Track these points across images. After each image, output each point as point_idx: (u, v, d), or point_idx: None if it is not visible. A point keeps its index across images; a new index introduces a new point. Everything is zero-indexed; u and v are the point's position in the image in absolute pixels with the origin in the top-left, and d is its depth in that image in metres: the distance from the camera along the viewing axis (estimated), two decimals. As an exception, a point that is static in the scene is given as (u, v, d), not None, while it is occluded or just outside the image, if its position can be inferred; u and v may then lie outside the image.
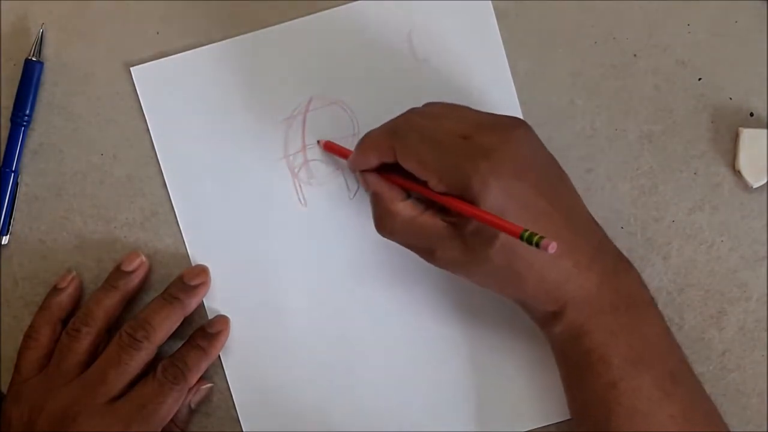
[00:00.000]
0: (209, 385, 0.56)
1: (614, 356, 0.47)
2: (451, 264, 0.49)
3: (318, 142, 0.56)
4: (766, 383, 0.55)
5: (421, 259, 0.54)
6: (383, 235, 0.51)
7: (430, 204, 0.50)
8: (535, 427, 0.55)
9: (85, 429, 0.50)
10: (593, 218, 0.50)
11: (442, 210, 0.49)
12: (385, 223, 0.50)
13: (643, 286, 0.50)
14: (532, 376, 0.55)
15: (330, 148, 0.55)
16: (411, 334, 0.56)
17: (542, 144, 0.50)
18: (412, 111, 0.50)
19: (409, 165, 0.48)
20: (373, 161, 0.51)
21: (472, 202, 0.46)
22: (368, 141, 0.51)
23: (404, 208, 0.50)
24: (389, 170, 0.51)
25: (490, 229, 0.46)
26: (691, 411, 0.48)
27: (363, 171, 0.52)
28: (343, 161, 0.55)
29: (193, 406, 0.55)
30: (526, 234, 0.42)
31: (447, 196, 0.47)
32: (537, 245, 0.42)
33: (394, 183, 0.51)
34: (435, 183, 0.47)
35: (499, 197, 0.46)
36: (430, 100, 0.51)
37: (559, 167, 0.50)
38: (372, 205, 0.51)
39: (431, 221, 0.49)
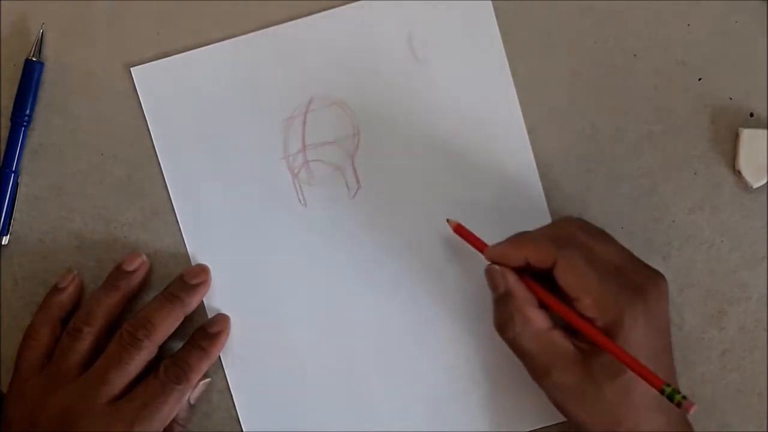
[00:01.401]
0: (207, 380, 0.56)
1: None
2: (561, 389, 0.48)
3: (447, 221, 0.53)
4: (766, 383, 0.55)
5: (422, 259, 0.54)
6: (503, 337, 0.50)
7: (556, 321, 0.49)
8: (539, 426, 0.55)
9: (87, 429, 0.50)
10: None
11: (568, 331, 0.49)
12: (513, 325, 0.49)
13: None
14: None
15: (460, 232, 0.52)
16: (412, 334, 0.55)
17: None
18: (571, 223, 0.50)
19: (567, 281, 0.48)
20: (522, 261, 0.49)
21: (613, 334, 0.46)
22: (527, 240, 0.49)
23: (538, 317, 0.49)
24: (520, 273, 0.50)
25: (617, 364, 0.46)
26: None
27: (503, 266, 0.50)
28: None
29: (192, 401, 0.55)
30: (669, 389, 0.43)
31: (590, 325, 0.47)
32: (678, 404, 0.43)
33: (529, 287, 0.49)
34: (587, 305, 0.47)
35: (641, 340, 0.46)
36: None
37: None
38: (500, 302, 0.50)
39: (561, 340, 0.48)
